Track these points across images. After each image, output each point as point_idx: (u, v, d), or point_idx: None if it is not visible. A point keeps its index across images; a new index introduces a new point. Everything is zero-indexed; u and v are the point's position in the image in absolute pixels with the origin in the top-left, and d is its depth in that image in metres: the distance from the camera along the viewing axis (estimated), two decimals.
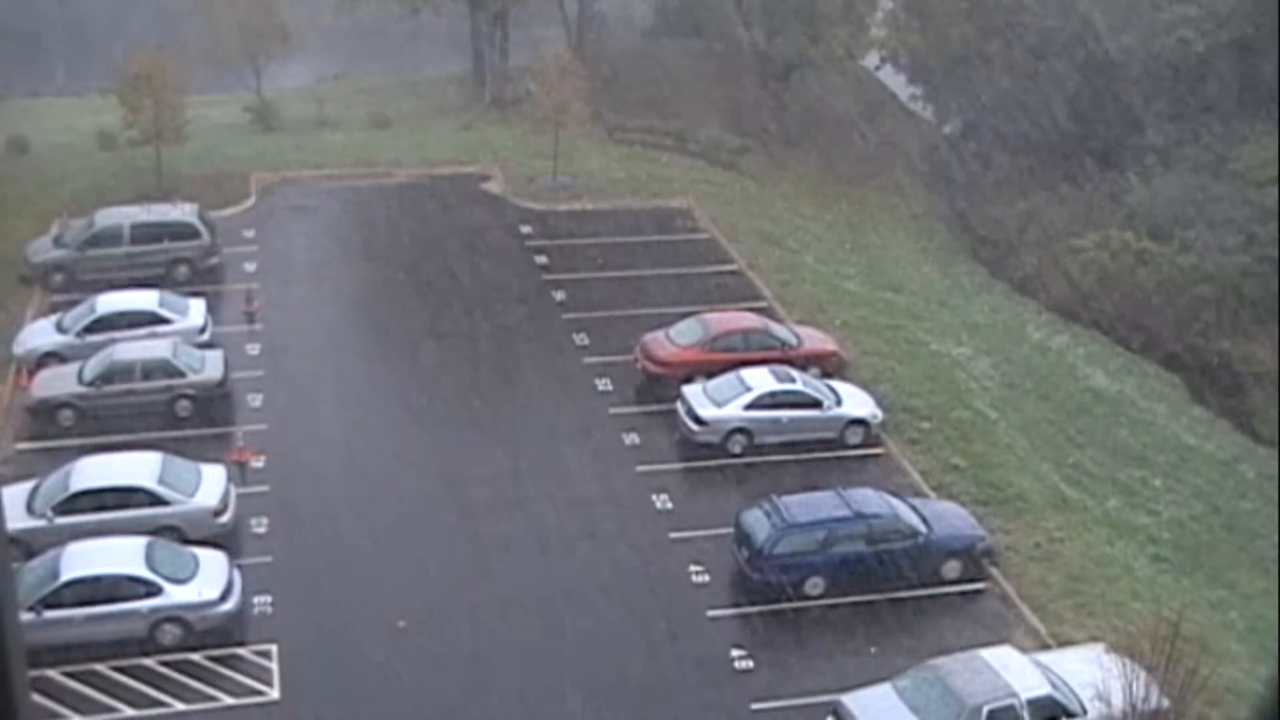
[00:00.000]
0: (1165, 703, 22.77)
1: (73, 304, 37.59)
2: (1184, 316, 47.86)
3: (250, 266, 42.73)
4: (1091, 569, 30.12)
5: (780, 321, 38.90)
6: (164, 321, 36.32)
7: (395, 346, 39.51)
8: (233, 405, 34.65)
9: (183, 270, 40.97)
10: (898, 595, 28.40)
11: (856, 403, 34.51)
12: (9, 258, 41.86)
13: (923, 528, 28.77)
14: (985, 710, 23.41)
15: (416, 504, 31.35)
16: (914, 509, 29.39)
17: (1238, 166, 52.13)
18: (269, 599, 27.69)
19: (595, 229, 46.61)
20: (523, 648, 26.74)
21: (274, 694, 25.30)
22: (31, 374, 34.52)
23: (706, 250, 45.53)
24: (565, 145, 49.59)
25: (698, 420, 33.16)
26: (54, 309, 38.43)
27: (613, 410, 35.29)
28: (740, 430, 33.16)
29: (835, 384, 35.16)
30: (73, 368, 34.05)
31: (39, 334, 36.45)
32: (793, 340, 37.02)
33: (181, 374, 33.74)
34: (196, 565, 26.84)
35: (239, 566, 27.62)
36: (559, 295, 41.62)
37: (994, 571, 29.43)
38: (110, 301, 36.57)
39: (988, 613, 28.45)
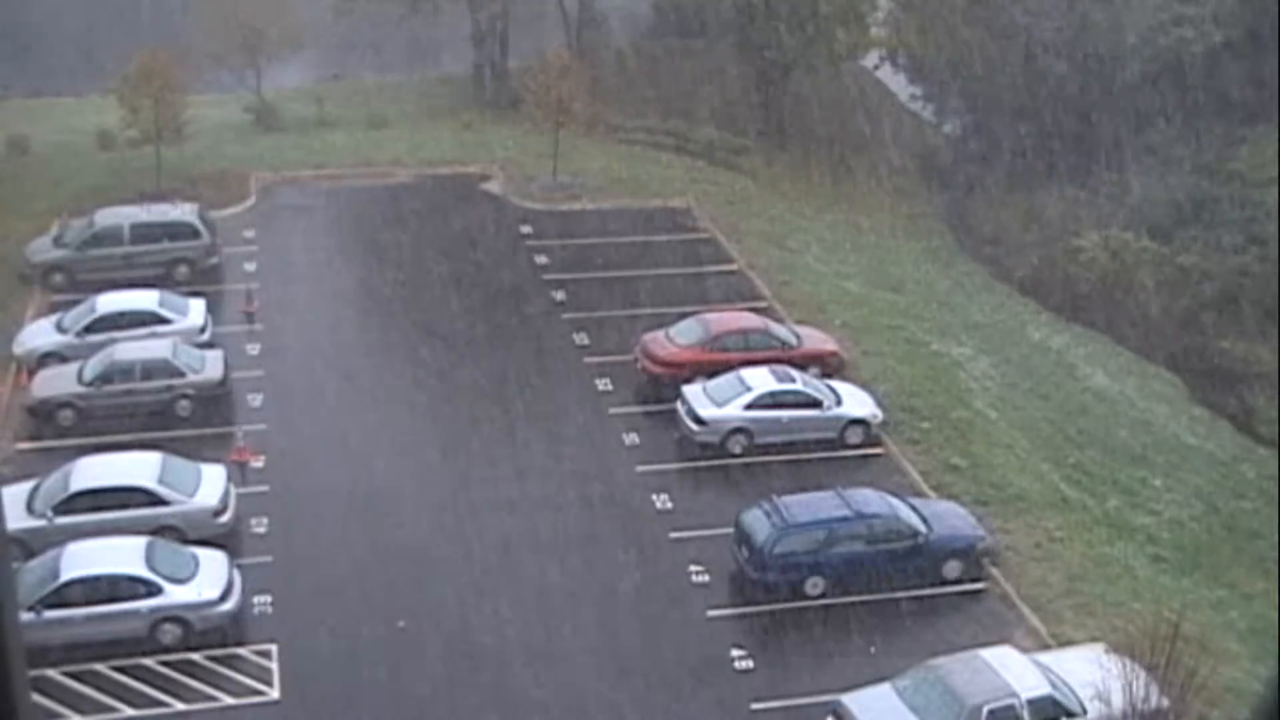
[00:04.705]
0: (1165, 703, 22.77)
1: (73, 304, 37.59)
2: (1184, 316, 47.85)
3: (250, 266, 42.74)
4: (1091, 569, 30.13)
5: (780, 321, 38.89)
6: (164, 321, 36.31)
7: (395, 346, 39.50)
8: (233, 405, 34.66)
9: (183, 270, 40.97)
10: (898, 595, 28.40)
11: (856, 403, 34.51)
12: (9, 258, 41.88)
13: (923, 528, 28.76)
14: (985, 710, 23.41)
15: (416, 503, 31.35)
16: (914, 509, 29.38)
17: (1238, 166, 52.13)
18: (269, 599, 27.69)
19: (595, 229, 46.60)
20: (522, 648, 26.74)
21: (274, 694, 25.31)
22: (31, 374, 34.53)
23: (706, 250, 45.51)
24: (565, 145, 49.59)
25: (698, 420, 33.16)
26: (54, 309, 38.42)
27: (613, 410, 35.29)
28: (740, 430, 33.15)
29: (835, 384, 35.15)
30: (73, 368, 34.04)
31: (39, 334, 36.44)
32: (793, 340, 37.02)
33: (181, 374, 33.73)
34: (196, 565, 26.84)
35: (239, 566, 27.61)
36: (559, 295, 41.62)
37: (994, 571, 29.43)
38: (110, 301, 36.56)
39: (988, 613, 28.45)
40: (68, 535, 27.16)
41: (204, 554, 27.36)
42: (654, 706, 25.46)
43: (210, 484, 29.44)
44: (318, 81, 67.11)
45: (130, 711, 24.80)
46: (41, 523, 27.69)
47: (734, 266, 44.27)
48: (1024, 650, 25.77)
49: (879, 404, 34.82)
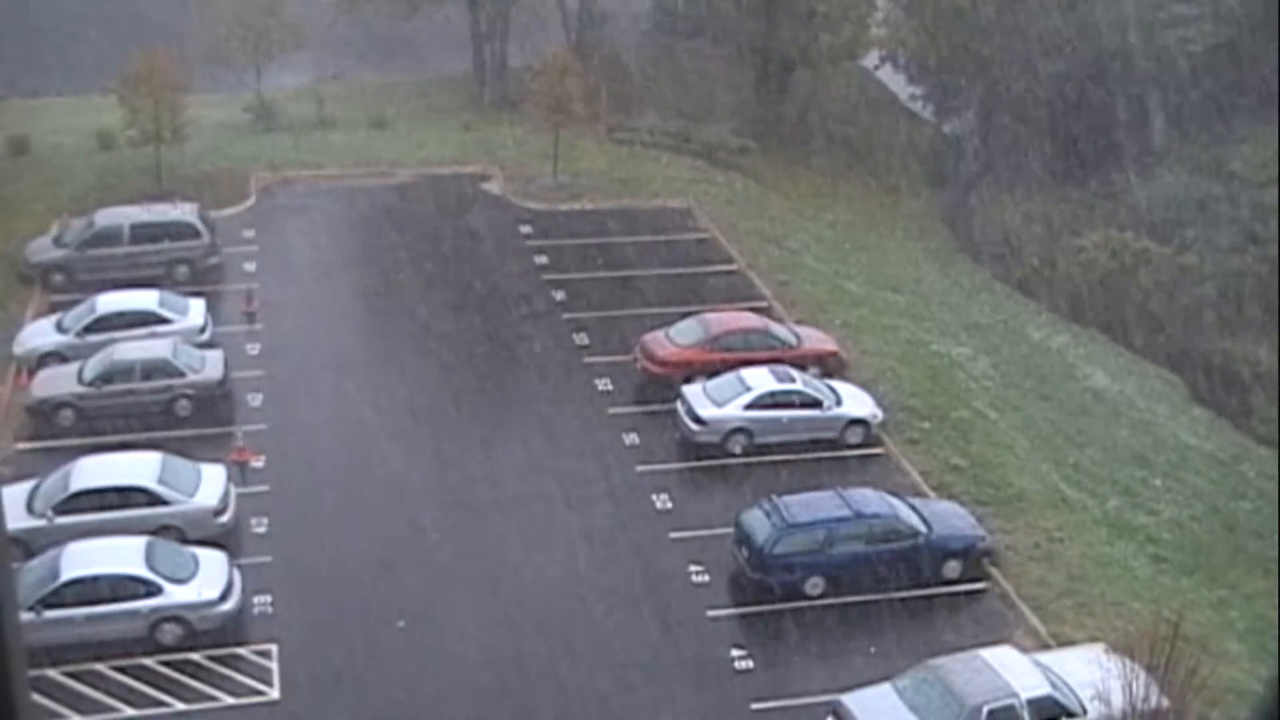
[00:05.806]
0: (1165, 703, 22.76)
1: (73, 304, 37.58)
2: (1184, 316, 47.86)
3: (250, 266, 42.74)
4: (1091, 569, 30.12)
5: (780, 321, 38.90)
6: (164, 321, 36.32)
7: (395, 346, 39.50)
8: (233, 405, 34.66)
9: (183, 270, 40.98)
10: (898, 595, 28.40)
11: (856, 403, 34.51)
12: (9, 257, 41.88)
13: (923, 528, 28.76)
14: (985, 710, 23.41)
15: (416, 504, 31.34)
16: (914, 509, 29.38)
17: (1237, 166, 52.15)
18: (269, 599, 27.69)
19: (595, 229, 46.61)
20: (523, 648, 26.73)
21: (274, 694, 25.31)
22: (31, 374, 34.53)
23: (706, 250, 45.52)
24: (565, 145, 49.58)
25: (698, 420, 33.16)
26: (54, 309, 38.42)
27: (613, 410, 35.29)
28: (740, 430, 33.15)
29: (835, 384, 35.15)
30: (73, 368, 34.05)
31: (39, 334, 36.45)
32: (793, 340, 37.02)
33: (181, 374, 33.74)
34: (196, 565, 26.84)
35: (239, 566, 27.61)
36: (559, 295, 41.62)
37: (994, 571, 29.43)
38: (110, 301, 36.56)
39: (988, 613, 28.45)
40: (68, 535, 27.15)
41: (204, 554, 27.36)
42: (653, 707, 25.45)
43: (210, 484, 29.44)
44: (318, 81, 67.04)
45: (130, 711, 24.80)
46: (41, 523, 27.69)
47: (734, 266, 44.27)
48: (1024, 650, 25.77)
49: (879, 404, 34.82)
